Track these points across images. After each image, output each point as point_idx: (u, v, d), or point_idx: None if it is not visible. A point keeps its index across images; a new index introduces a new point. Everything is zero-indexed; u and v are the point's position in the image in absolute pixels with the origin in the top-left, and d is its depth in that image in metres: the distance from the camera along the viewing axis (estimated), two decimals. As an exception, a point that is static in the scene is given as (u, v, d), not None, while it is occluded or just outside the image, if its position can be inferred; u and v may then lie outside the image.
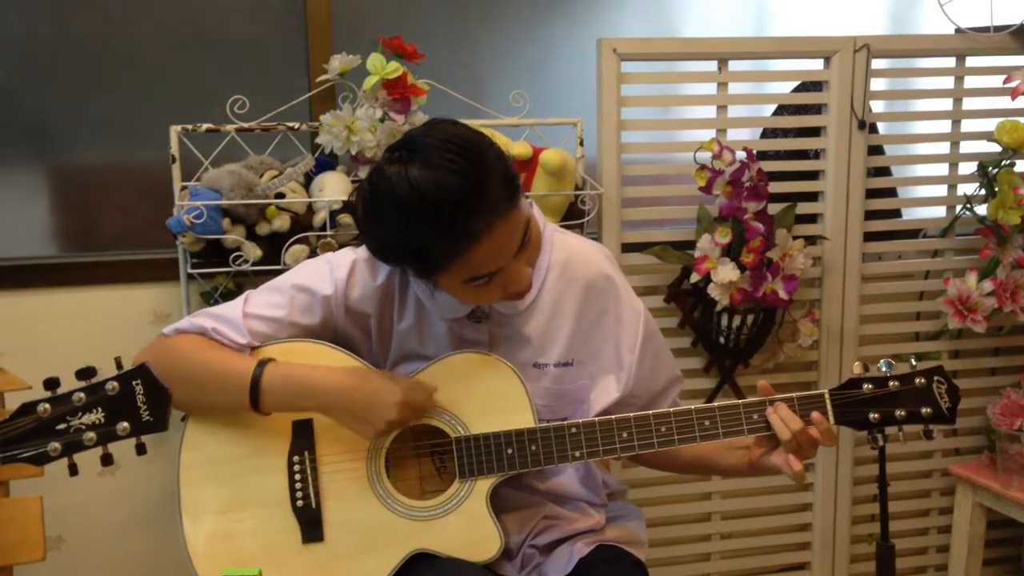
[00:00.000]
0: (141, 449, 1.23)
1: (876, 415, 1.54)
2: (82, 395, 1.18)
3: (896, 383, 1.54)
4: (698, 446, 1.56)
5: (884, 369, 1.55)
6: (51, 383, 1.18)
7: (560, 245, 1.62)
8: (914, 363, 1.56)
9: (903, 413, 1.53)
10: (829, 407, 1.54)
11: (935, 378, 1.54)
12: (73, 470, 1.21)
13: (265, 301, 1.57)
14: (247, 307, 1.56)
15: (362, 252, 1.59)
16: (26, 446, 1.17)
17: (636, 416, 1.54)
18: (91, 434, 1.18)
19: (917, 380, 1.54)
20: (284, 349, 1.56)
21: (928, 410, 1.53)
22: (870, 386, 1.54)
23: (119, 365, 1.22)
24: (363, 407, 1.47)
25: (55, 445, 1.17)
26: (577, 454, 1.53)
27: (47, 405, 1.17)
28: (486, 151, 1.40)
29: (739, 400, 1.55)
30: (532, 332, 1.59)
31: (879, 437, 1.56)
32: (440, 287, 1.49)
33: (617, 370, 1.63)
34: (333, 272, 1.57)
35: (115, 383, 1.19)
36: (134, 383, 1.20)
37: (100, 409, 1.19)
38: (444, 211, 1.35)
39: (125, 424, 1.19)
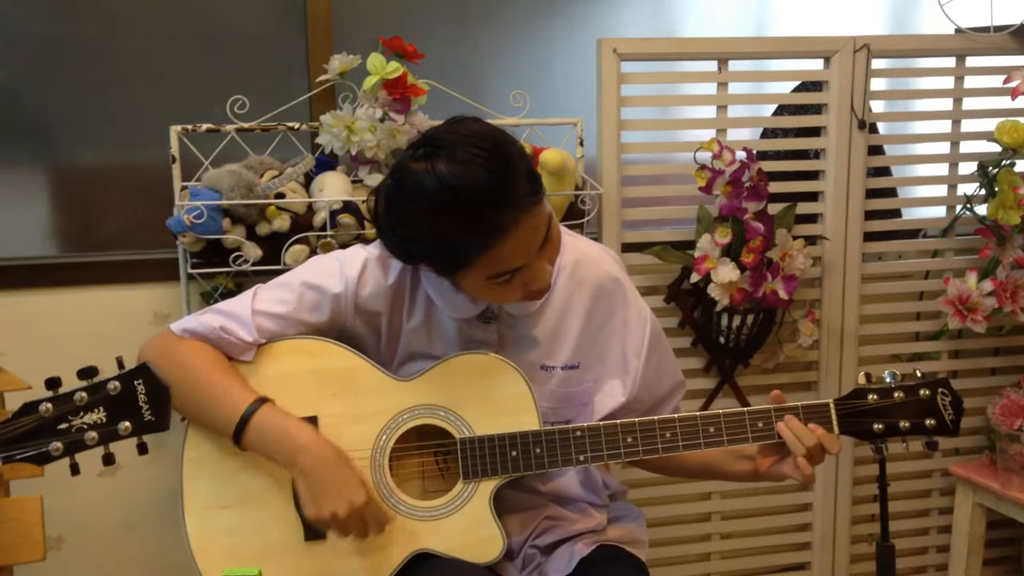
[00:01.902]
0: (143, 448, 1.23)
1: (880, 426, 1.54)
2: (84, 394, 1.18)
3: (901, 394, 1.54)
4: (703, 453, 1.56)
5: (889, 380, 1.55)
6: (52, 383, 1.18)
7: (570, 247, 1.62)
8: (919, 374, 1.56)
9: (907, 424, 1.53)
10: (834, 417, 1.54)
11: (940, 390, 1.54)
12: (75, 469, 1.21)
13: (274, 297, 1.57)
14: (256, 303, 1.56)
15: (373, 250, 1.58)
16: (28, 445, 1.17)
17: (641, 421, 1.54)
18: (93, 433, 1.18)
19: (922, 391, 1.54)
20: (291, 347, 1.56)
21: (932, 422, 1.53)
22: (875, 396, 1.54)
23: (121, 365, 1.22)
24: (325, 484, 1.46)
25: (57, 445, 1.17)
26: (582, 458, 1.53)
27: (49, 404, 1.17)
28: (509, 146, 1.41)
29: (744, 408, 1.55)
30: (541, 334, 1.59)
31: (883, 447, 1.56)
32: (461, 285, 1.49)
33: (623, 374, 1.63)
34: (344, 270, 1.56)
35: (117, 383, 1.19)
36: (136, 383, 1.20)
37: (102, 408, 1.18)
38: (472, 205, 1.36)
39: (127, 424, 1.19)
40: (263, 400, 1.49)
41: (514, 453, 1.52)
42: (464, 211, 1.36)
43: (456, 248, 1.40)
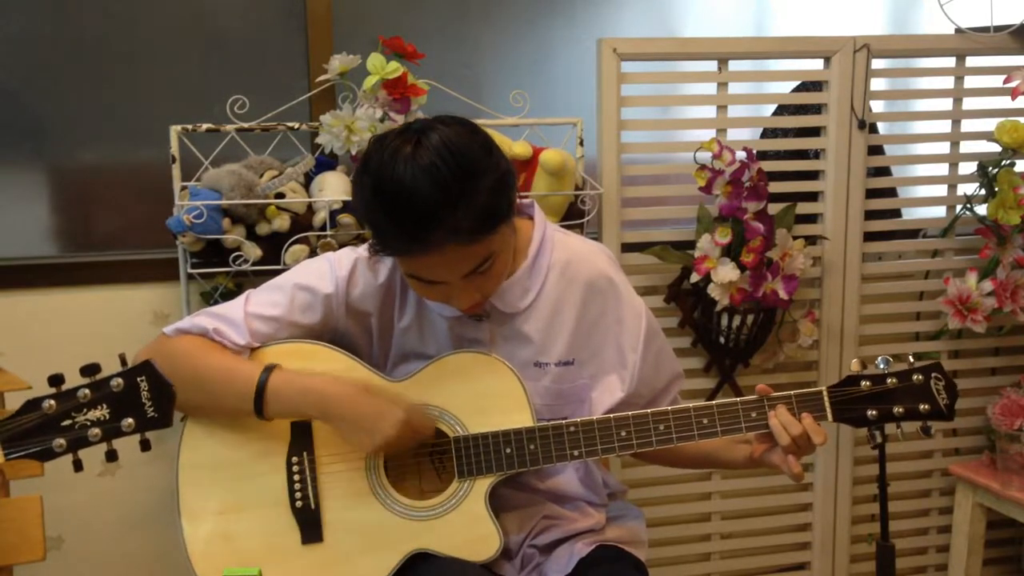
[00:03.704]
0: (146, 445, 1.23)
1: (874, 412, 1.54)
2: (87, 391, 1.18)
3: (894, 380, 1.54)
4: (700, 443, 1.56)
5: (882, 366, 1.55)
6: (56, 380, 1.18)
7: (561, 245, 1.62)
8: (912, 360, 1.56)
9: (901, 410, 1.53)
10: (827, 404, 1.54)
11: (933, 375, 1.54)
12: (78, 466, 1.21)
13: (266, 300, 1.57)
14: (248, 306, 1.56)
15: (363, 251, 1.59)
16: (31, 442, 1.17)
17: (635, 415, 1.54)
18: (96, 430, 1.18)
19: (915, 377, 1.54)
20: (284, 350, 1.56)
21: (926, 407, 1.54)
22: (868, 383, 1.54)
23: (123, 361, 1.22)
24: (365, 419, 1.47)
25: (60, 441, 1.17)
26: (576, 453, 1.53)
27: (52, 401, 1.17)
28: (480, 176, 1.39)
29: (737, 398, 1.55)
30: (533, 331, 1.59)
31: (877, 435, 1.56)
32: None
33: (620, 369, 1.63)
34: (334, 271, 1.57)
35: (120, 380, 1.19)
36: (139, 379, 1.20)
37: (105, 405, 1.18)
38: (404, 210, 1.36)
39: (130, 420, 1.19)
40: (271, 367, 1.50)
41: (508, 450, 1.52)
42: (395, 209, 1.37)
43: (379, 233, 1.42)
